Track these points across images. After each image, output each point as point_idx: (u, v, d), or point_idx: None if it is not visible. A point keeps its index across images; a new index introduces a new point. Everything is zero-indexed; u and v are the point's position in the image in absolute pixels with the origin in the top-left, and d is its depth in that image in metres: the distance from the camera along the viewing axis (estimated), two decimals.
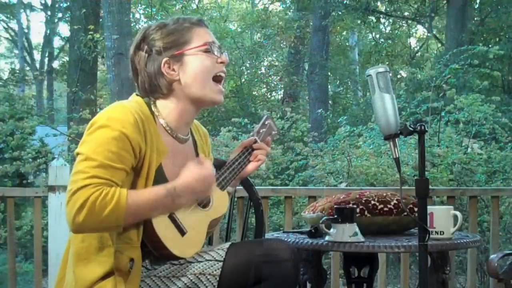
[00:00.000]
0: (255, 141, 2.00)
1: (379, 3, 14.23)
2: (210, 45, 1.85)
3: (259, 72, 17.01)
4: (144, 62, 1.83)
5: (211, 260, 1.75)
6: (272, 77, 17.33)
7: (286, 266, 1.72)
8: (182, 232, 1.78)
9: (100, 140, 1.67)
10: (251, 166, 2.01)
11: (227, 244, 1.80)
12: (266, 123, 2.06)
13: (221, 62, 1.87)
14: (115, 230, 1.68)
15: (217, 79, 1.87)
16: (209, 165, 1.82)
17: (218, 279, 1.72)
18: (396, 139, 1.78)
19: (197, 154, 1.95)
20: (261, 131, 2.04)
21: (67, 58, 15.90)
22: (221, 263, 1.74)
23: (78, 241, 1.73)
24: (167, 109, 1.84)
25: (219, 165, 2.05)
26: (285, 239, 2.20)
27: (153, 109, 1.84)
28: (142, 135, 1.72)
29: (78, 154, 1.69)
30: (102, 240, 1.71)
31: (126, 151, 1.68)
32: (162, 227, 1.74)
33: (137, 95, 1.88)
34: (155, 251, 1.77)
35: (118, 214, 1.63)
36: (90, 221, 1.61)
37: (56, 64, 21.11)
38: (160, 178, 1.77)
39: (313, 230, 2.23)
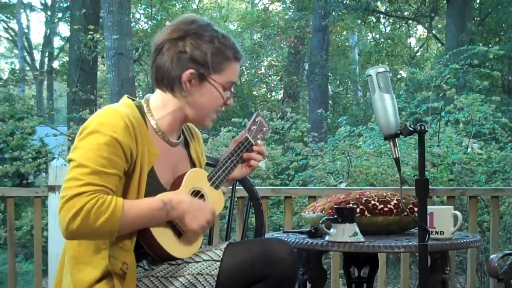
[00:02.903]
0: (247, 138, 1.99)
1: (379, 3, 14.22)
2: (231, 86, 1.86)
3: (259, 72, 17.02)
4: (174, 53, 1.77)
5: (208, 260, 1.74)
6: (272, 77, 17.34)
7: (285, 265, 1.71)
8: (179, 233, 1.78)
9: (91, 146, 1.66)
10: (242, 171, 2.00)
11: (224, 244, 1.79)
12: (256, 120, 2.04)
13: (225, 104, 1.87)
14: (108, 239, 1.68)
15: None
16: (213, 207, 1.82)
17: (216, 279, 1.72)
18: (396, 139, 1.78)
19: (189, 156, 1.95)
20: (252, 128, 2.02)
21: (67, 58, 15.89)
22: (218, 263, 1.73)
23: (74, 244, 1.73)
24: (160, 112, 1.83)
25: (214, 163, 2.05)
26: (285, 239, 2.20)
27: (145, 110, 1.83)
28: (133, 139, 1.71)
29: (70, 160, 1.68)
30: (98, 243, 1.71)
31: (118, 156, 1.68)
32: (159, 229, 1.74)
33: (128, 97, 1.86)
34: (152, 253, 1.76)
35: (112, 224, 1.62)
36: (83, 229, 1.61)
37: (56, 64, 21.13)
38: (153, 181, 1.77)
39: (313, 230, 2.23)
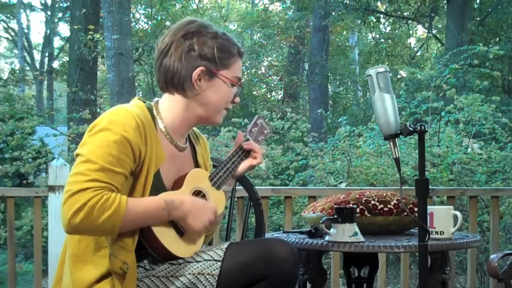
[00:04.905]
0: (247, 139, 1.99)
1: (379, 3, 14.24)
2: (239, 83, 1.87)
3: (259, 72, 17.02)
4: (182, 52, 1.78)
5: (209, 260, 1.75)
6: (272, 77, 17.35)
7: (285, 265, 1.72)
8: (180, 232, 1.78)
9: (101, 143, 1.66)
10: (245, 165, 1.98)
11: (225, 244, 1.79)
12: (257, 122, 2.05)
13: (233, 102, 1.89)
14: (109, 235, 1.68)
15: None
16: (214, 206, 1.83)
17: (217, 279, 1.72)
18: (396, 139, 1.78)
19: (195, 162, 1.95)
20: (253, 130, 2.03)
21: (67, 58, 15.90)
22: (219, 263, 1.73)
23: (75, 242, 1.73)
24: (169, 114, 1.83)
25: (217, 164, 2.05)
26: (285, 239, 2.20)
27: (154, 113, 1.83)
28: (143, 140, 1.72)
29: (78, 155, 1.68)
30: (98, 242, 1.71)
31: (127, 155, 1.68)
32: (161, 228, 1.74)
33: (139, 99, 1.87)
34: (154, 253, 1.77)
35: (115, 220, 1.62)
36: (86, 224, 1.60)
37: (56, 64, 21.14)
38: (158, 183, 1.77)
39: (313, 230, 2.23)
